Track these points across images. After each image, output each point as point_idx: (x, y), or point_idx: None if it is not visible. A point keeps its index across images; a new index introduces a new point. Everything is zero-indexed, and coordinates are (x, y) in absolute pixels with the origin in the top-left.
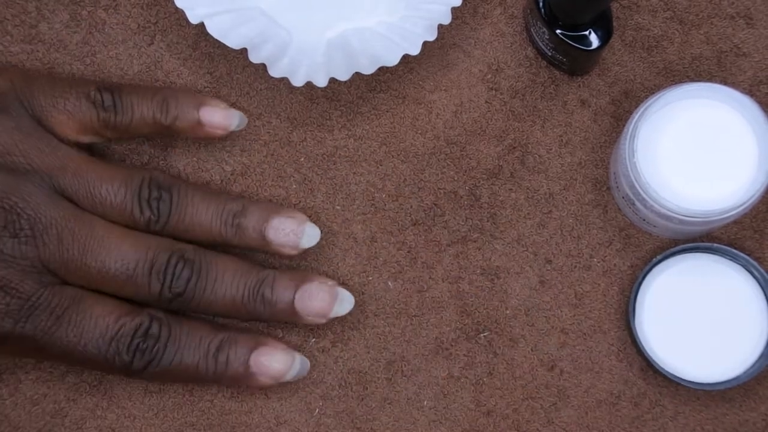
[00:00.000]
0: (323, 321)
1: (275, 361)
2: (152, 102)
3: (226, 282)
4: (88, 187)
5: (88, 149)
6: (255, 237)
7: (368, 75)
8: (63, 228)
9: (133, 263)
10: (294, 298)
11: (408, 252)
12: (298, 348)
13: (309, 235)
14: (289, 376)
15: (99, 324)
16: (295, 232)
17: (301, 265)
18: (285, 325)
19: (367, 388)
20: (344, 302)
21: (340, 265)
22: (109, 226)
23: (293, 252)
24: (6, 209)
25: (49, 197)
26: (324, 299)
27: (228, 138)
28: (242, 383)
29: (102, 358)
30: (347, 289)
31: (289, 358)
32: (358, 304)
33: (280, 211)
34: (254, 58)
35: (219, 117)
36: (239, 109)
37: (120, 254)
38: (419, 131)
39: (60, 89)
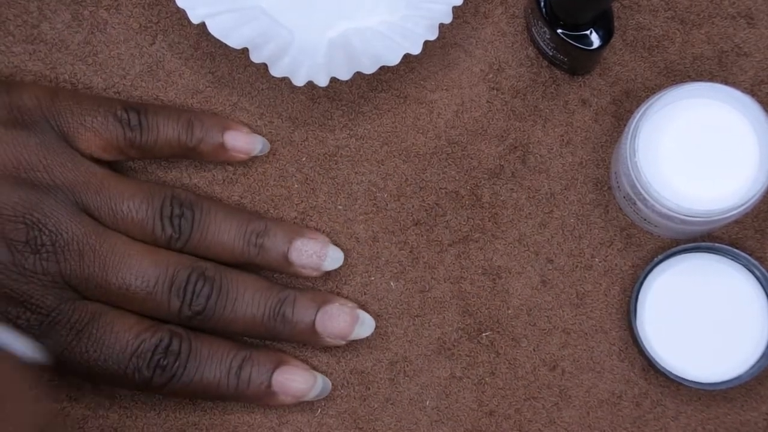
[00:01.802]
0: (342, 343)
1: (297, 381)
2: (178, 123)
3: (247, 300)
4: (110, 204)
5: (110, 166)
6: (277, 258)
7: (369, 74)
8: (84, 244)
9: (153, 280)
10: (315, 318)
11: (410, 252)
12: (301, 348)
13: (332, 258)
14: (311, 396)
15: (119, 339)
16: (319, 254)
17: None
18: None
19: (369, 389)
20: (365, 325)
21: (341, 265)
22: (130, 243)
23: (315, 274)
24: (28, 225)
25: (71, 213)
26: (345, 320)
27: None
28: (263, 401)
29: (122, 373)
30: (348, 290)
31: (311, 378)
32: (360, 304)
33: (304, 232)
34: (255, 57)
35: (243, 142)
36: (241, 109)
37: (140, 271)
38: (420, 131)
39: (87, 106)
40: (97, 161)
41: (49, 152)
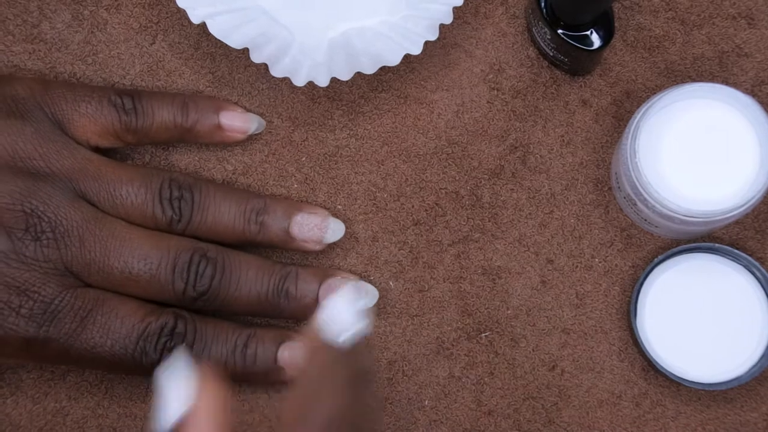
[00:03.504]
0: None
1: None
2: (172, 105)
3: (250, 279)
4: (108, 189)
5: (106, 155)
6: (279, 234)
7: (370, 75)
8: (84, 230)
9: (155, 263)
10: (318, 293)
11: (409, 252)
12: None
13: (333, 230)
14: None
15: (125, 323)
16: (320, 227)
17: (305, 264)
18: (287, 321)
19: None
20: (368, 295)
21: (341, 264)
22: (130, 227)
23: (317, 247)
24: (27, 213)
25: (70, 200)
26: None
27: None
28: (271, 378)
29: (129, 357)
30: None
31: None
32: None
33: (303, 207)
34: (256, 57)
35: (239, 121)
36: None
37: (142, 254)
38: (421, 131)
39: (81, 93)
40: (94, 149)
41: (45, 140)
